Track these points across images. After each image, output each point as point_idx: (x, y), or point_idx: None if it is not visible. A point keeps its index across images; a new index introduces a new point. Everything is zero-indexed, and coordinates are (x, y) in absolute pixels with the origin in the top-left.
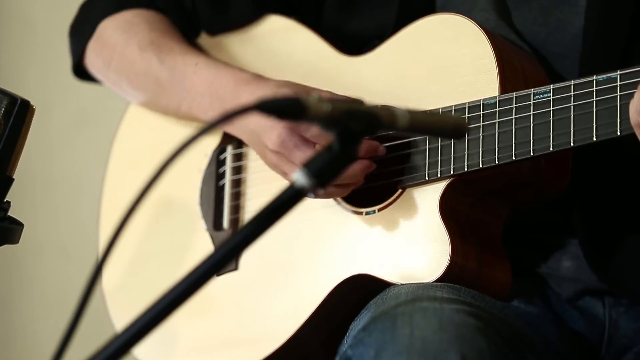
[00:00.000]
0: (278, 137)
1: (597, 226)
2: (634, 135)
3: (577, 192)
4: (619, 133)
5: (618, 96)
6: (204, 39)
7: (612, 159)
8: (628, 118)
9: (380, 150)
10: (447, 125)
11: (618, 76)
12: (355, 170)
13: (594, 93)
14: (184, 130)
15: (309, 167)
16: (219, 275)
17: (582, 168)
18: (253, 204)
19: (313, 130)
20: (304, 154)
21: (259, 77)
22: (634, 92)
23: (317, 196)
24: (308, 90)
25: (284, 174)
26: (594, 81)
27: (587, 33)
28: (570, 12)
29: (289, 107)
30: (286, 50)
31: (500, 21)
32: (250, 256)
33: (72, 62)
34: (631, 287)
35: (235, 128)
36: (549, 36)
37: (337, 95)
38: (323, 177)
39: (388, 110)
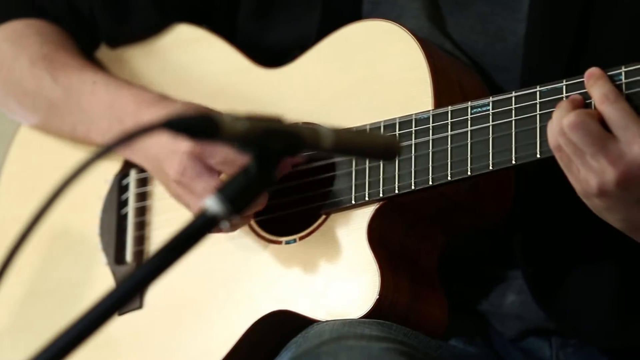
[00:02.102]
0: (179, 165)
1: (542, 257)
2: None
3: (519, 219)
4: None
5: None
6: (103, 52)
7: (557, 181)
8: None
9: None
10: (376, 145)
11: (564, 87)
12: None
13: (538, 106)
14: (82, 154)
15: (223, 191)
16: (120, 314)
17: (525, 192)
18: (160, 235)
19: (219, 157)
20: (206, 184)
21: (163, 98)
22: None
23: (232, 226)
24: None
25: (187, 206)
26: (537, 92)
27: (529, 41)
28: (512, 19)
29: (200, 125)
30: (196, 63)
31: (434, 29)
32: (156, 293)
33: None
34: (581, 325)
35: (136, 153)
36: (488, 46)
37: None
38: (238, 202)
39: (311, 128)
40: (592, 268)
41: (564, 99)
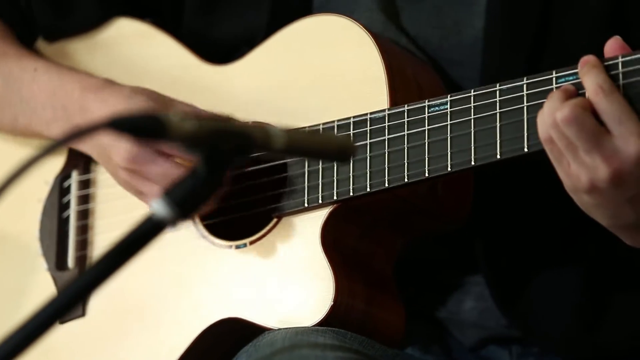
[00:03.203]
0: (128, 152)
1: (504, 263)
2: (541, 153)
3: (480, 222)
4: (526, 150)
5: (525, 108)
6: (42, 47)
7: (518, 184)
8: (536, 132)
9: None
10: (330, 146)
11: (524, 85)
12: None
13: (497, 104)
14: (22, 151)
15: (170, 194)
16: (62, 322)
17: (485, 195)
18: (103, 239)
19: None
20: (160, 167)
21: (110, 83)
22: (542, 103)
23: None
24: (168, 100)
25: (140, 194)
26: (497, 91)
27: (488, 35)
28: (469, 12)
29: (146, 125)
30: (140, 59)
31: (388, 23)
32: (99, 300)
33: None
34: (543, 332)
35: (83, 143)
36: (444, 40)
37: (202, 111)
38: (187, 205)
39: (262, 128)
40: (555, 274)
41: (524, 97)
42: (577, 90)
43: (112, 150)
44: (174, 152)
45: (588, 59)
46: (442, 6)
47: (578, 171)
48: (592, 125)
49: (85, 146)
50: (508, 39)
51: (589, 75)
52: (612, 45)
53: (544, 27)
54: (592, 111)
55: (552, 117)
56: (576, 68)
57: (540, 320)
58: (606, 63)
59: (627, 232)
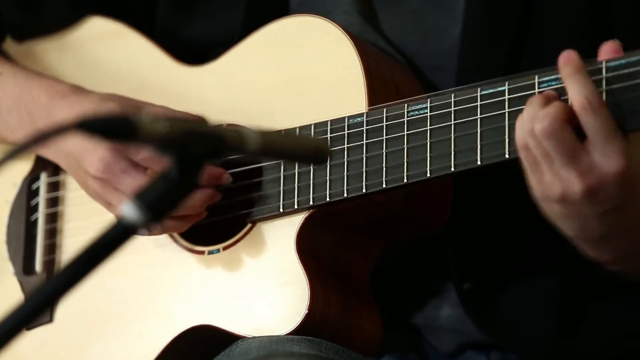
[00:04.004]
0: (101, 161)
1: (476, 269)
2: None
3: (454, 229)
4: (507, 156)
5: (506, 113)
6: (10, 46)
7: (496, 190)
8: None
9: (225, 178)
10: (305, 149)
11: (506, 89)
12: (196, 200)
13: (478, 109)
14: None
15: (141, 197)
16: (29, 329)
17: (463, 200)
18: (72, 243)
19: (144, 152)
20: (133, 179)
21: (78, 90)
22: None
23: (151, 232)
24: (139, 105)
25: (109, 205)
26: (478, 95)
27: (466, 41)
28: (447, 18)
29: (116, 126)
30: (112, 59)
31: (366, 25)
32: (68, 305)
33: None
34: (518, 339)
35: (50, 150)
36: (421, 45)
37: (175, 112)
38: (158, 209)
39: (236, 130)
40: (531, 282)
41: (506, 101)
42: (559, 96)
43: (83, 158)
44: (148, 163)
45: (570, 57)
46: (420, 11)
47: (552, 181)
48: (570, 141)
49: (53, 153)
50: (486, 44)
51: (573, 82)
52: (607, 50)
53: (522, 33)
54: (573, 122)
55: (531, 125)
56: (558, 72)
57: (515, 328)
58: (589, 68)
59: (591, 245)
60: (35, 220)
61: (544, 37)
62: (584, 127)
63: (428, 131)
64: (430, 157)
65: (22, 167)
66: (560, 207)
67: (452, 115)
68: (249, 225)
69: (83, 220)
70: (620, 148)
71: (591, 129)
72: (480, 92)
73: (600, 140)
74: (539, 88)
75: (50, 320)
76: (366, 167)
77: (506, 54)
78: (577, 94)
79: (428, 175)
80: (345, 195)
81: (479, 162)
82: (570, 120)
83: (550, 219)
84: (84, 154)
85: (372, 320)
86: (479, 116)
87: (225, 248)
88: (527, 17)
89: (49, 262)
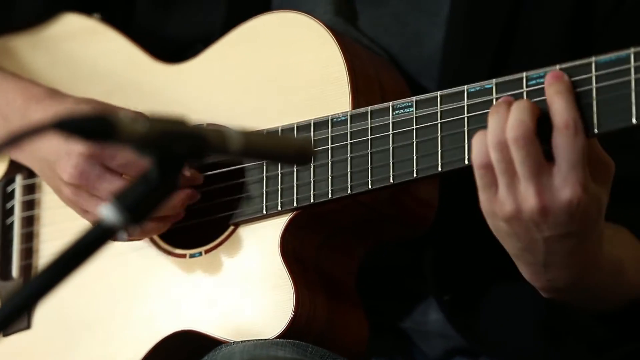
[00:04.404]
0: (75, 168)
1: (455, 280)
2: None
3: (438, 230)
4: None
5: None
6: None
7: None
8: None
9: (198, 179)
10: (288, 149)
11: (493, 87)
12: (175, 200)
13: (465, 108)
14: None
15: (120, 199)
16: (5, 335)
17: (448, 202)
18: (49, 247)
19: (120, 159)
20: (109, 184)
21: (54, 93)
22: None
23: (130, 237)
24: (115, 110)
25: (85, 213)
26: (465, 92)
27: (448, 48)
28: (429, 23)
29: (94, 126)
30: (89, 57)
31: (347, 26)
32: (46, 311)
33: None
34: (502, 347)
35: (24, 155)
36: (403, 50)
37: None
38: (138, 211)
39: (217, 130)
40: (512, 289)
41: (494, 99)
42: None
43: (57, 165)
44: (124, 169)
45: (560, 76)
46: (402, 14)
47: (505, 198)
48: (538, 155)
49: (27, 157)
50: (468, 53)
51: (563, 100)
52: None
53: (506, 45)
54: (540, 137)
55: (500, 136)
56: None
57: (498, 336)
58: (573, 79)
59: (530, 269)
60: (11, 224)
61: (527, 49)
62: (555, 148)
63: (414, 131)
64: (416, 157)
65: None
66: (507, 225)
67: (439, 114)
68: (232, 227)
69: (60, 223)
70: (582, 180)
71: (564, 151)
72: (467, 90)
73: (569, 165)
74: (527, 85)
75: (28, 326)
76: (351, 167)
77: (489, 65)
78: (564, 111)
79: (415, 175)
80: (330, 196)
81: (466, 162)
82: (536, 140)
83: (495, 235)
84: (58, 160)
85: (359, 323)
86: (465, 115)
87: (207, 251)
88: (511, 28)
89: (26, 267)
